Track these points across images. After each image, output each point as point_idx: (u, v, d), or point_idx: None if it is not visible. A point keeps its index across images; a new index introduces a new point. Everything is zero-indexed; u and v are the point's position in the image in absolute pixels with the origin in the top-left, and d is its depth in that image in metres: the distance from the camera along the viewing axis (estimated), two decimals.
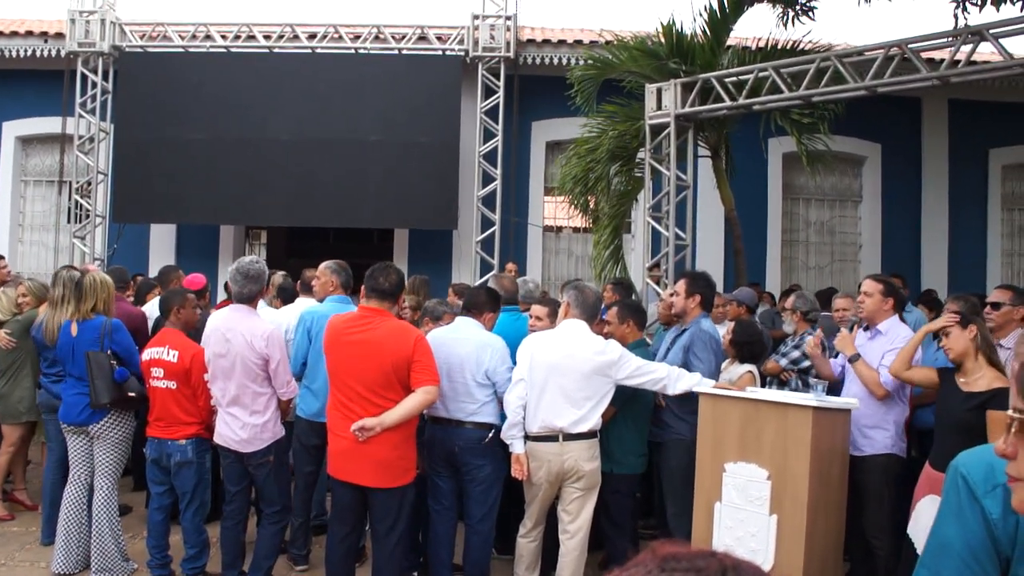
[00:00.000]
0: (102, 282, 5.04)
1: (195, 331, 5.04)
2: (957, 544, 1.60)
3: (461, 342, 4.64)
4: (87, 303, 4.94)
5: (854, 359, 4.70)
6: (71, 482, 5.02)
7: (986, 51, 6.59)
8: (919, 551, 3.77)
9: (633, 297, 6.98)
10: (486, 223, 10.99)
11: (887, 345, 4.66)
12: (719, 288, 8.47)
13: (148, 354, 4.83)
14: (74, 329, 4.90)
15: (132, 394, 4.86)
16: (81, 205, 11.26)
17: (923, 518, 3.86)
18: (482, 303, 4.87)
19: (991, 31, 6.25)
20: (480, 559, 4.66)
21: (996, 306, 4.87)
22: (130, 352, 4.98)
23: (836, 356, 5.12)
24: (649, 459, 5.01)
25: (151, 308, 6.50)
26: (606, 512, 4.65)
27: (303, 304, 5.67)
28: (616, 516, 4.74)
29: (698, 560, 0.86)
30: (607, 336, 4.85)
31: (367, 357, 4.05)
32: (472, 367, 4.58)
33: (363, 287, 4.31)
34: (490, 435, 4.58)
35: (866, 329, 4.89)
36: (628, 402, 4.64)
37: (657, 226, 8.48)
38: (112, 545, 4.86)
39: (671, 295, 6.03)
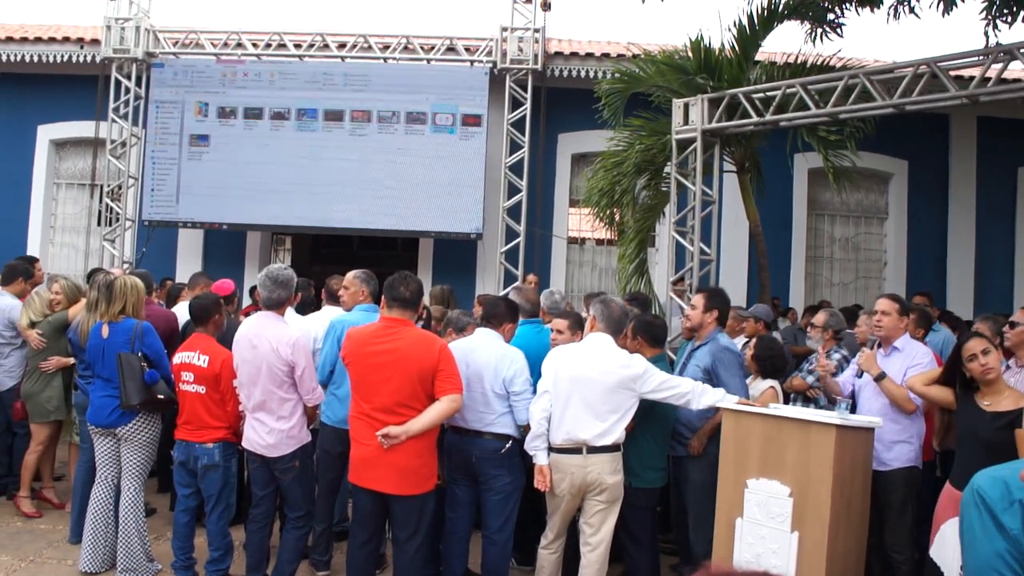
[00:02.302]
0: (132, 286, 5.12)
1: (224, 337, 5.10)
2: (990, 563, 1.63)
3: (480, 353, 4.68)
4: (116, 305, 5.03)
5: (880, 377, 4.70)
6: (98, 483, 5.09)
7: (1016, 69, 6.56)
8: (945, 574, 3.76)
9: (653, 311, 6.97)
10: (511, 234, 11.04)
11: (908, 361, 4.69)
12: (744, 303, 8.50)
13: (179, 358, 4.91)
14: (105, 331, 4.99)
15: (161, 397, 4.94)
16: (111, 208, 11.43)
17: (948, 541, 3.84)
18: (501, 315, 4.91)
19: (1022, 50, 6.22)
20: (498, 569, 4.68)
21: (1014, 325, 4.85)
22: (159, 355, 5.05)
23: (858, 373, 5.12)
24: (668, 474, 5.02)
25: (179, 312, 6.59)
26: (625, 526, 4.64)
27: (331, 313, 5.71)
28: (635, 530, 4.73)
29: None
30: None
31: (393, 367, 4.09)
32: (490, 378, 4.61)
33: (384, 297, 4.36)
34: (507, 445, 4.60)
35: (879, 347, 4.91)
36: (647, 416, 4.63)
37: (682, 240, 8.47)
38: (138, 545, 4.93)
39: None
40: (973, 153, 11.67)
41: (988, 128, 11.50)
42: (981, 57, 6.55)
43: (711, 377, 4.75)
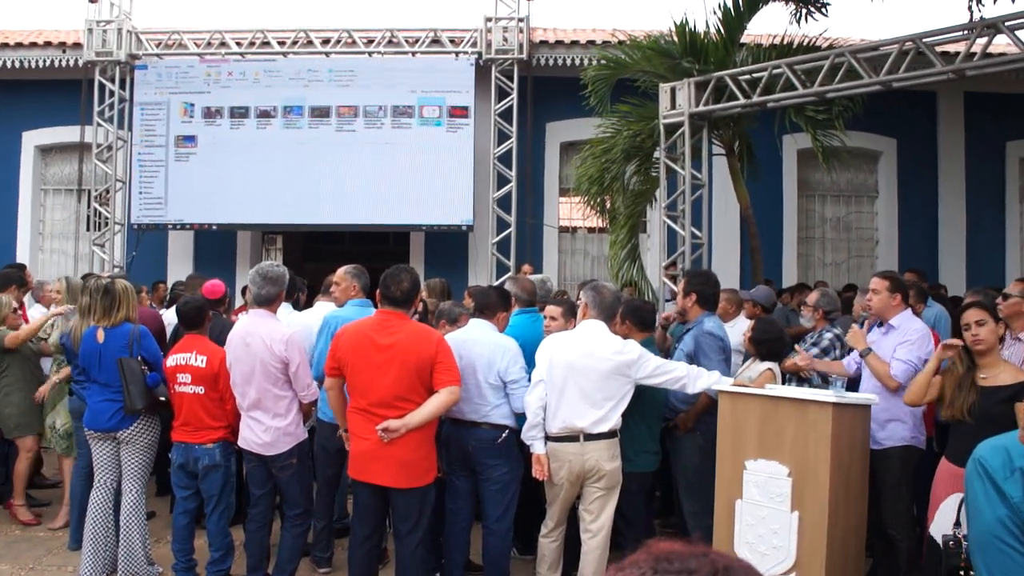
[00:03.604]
0: (130, 290, 5.12)
1: (217, 337, 5.08)
2: (991, 530, 1.64)
3: (474, 344, 4.67)
4: (121, 311, 5.00)
5: (865, 353, 4.71)
6: (97, 487, 5.06)
7: (1002, 43, 6.56)
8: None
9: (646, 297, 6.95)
10: (502, 225, 11.01)
11: (900, 338, 4.66)
12: (736, 286, 8.49)
13: (173, 360, 4.88)
14: (100, 336, 4.96)
15: (163, 399, 4.94)
16: (100, 213, 11.37)
17: (948, 518, 3.84)
18: (493, 304, 4.90)
19: (1007, 23, 6.22)
20: (498, 559, 4.68)
21: (1007, 297, 4.84)
22: (157, 358, 5.04)
23: (850, 352, 5.13)
24: (664, 457, 5.02)
25: (169, 315, 6.57)
26: (619, 510, 4.64)
27: (324, 308, 5.70)
28: (630, 513, 4.73)
29: (691, 560, 0.87)
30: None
31: (390, 361, 4.08)
32: (484, 369, 4.61)
33: (378, 292, 4.35)
34: (504, 435, 4.60)
35: (880, 325, 4.90)
36: (637, 400, 4.62)
37: (673, 225, 8.48)
38: (140, 549, 4.91)
39: None
40: (961, 129, 11.67)
41: (975, 104, 11.51)
42: (966, 32, 6.55)
43: (693, 362, 4.74)
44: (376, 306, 4.57)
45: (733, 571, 0.86)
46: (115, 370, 4.87)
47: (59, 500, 6.30)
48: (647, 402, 4.73)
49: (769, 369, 4.97)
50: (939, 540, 3.86)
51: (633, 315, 5.07)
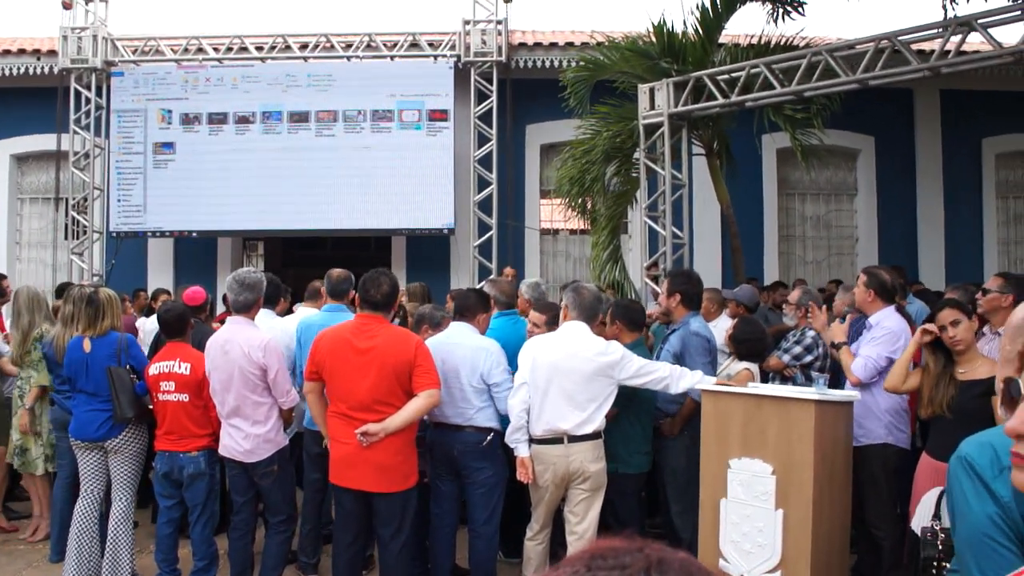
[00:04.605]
0: (114, 298, 5.08)
1: (199, 345, 5.05)
2: (982, 528, 1.64)
3: (456, 347, 4.65)
4: (106, 320, 4.95)
5: (838, 346, 4.77)
6: (83, 497, 5.00)
7: (976, 41, 6.62)
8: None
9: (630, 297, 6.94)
10: (483, 227, 11.00)
11: (869, 335, 4.68)
12: (718, 285, 8.52)
13: (156, 368, 4.82)
14: (87, 345, 4.91)
15: (151, 407, 4.91)
16: (78, 221, 11.26)
17: (928, 511, 3.86)
18: (473, 306, 4.89)
19: (980, 21, 6.28)
20: (485, 562, 4.67)
21: (986, 292, 4.87)
22: (143, 366, 5.00)
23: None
24: (652, 458, 5.02)
25: (150, 323, 6.52)
26: (614, 513, 4.65)
27: (303, 314, 5.68)
28: (624, 515, 4.74)
29: (624, 556, 0.86)
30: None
31: (369, 364, 4.07)
32: (468, 372, 4.59)
33: (357, 296, 4.34)
34: (489, 438, 4.59)
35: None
36: (631, 400, 4.63)
37: (654, 225, 8.49)
38: (126, 559, 4.85)
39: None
40: (938, 126, 11.78)
41: (951, 101, 11.61)
42: (940, 30, 6.61)
43: (680, 362, 4.74)
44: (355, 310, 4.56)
45: (667, 563, 0.85)
46: (103, 379, 4.83)
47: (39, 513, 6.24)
48: (641, 402, 4.74)
49: (747, 369, 4.98)
50: (919, 534, 3.89)
51: (624, 315, 5.08)
